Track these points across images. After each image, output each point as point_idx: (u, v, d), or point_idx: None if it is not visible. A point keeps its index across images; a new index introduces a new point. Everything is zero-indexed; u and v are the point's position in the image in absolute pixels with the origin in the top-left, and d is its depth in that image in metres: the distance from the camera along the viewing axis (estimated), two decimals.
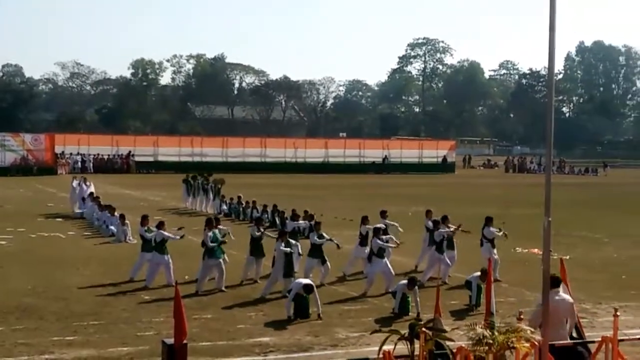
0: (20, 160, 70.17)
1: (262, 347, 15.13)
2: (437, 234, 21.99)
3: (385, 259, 20.59)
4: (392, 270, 20.53)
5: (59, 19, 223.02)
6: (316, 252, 21.05)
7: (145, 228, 21.73)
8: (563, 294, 12.65)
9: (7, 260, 24.53)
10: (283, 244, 19.69)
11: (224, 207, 38.65)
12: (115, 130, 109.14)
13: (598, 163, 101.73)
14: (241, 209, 37.00)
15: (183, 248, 23.29)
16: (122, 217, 29.80)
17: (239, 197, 38.08)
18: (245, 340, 15.58)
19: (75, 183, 39.62)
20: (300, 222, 24.71)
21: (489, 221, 22.85)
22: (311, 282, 17.85)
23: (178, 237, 21.70)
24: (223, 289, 20.24)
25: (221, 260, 20.50)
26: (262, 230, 22.00)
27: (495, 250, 22.45)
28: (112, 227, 30.18)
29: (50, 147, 71.88)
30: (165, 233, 21.13)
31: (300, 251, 21.70)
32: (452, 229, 22.48)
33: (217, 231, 20.89)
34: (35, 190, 52.43)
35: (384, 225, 22.66)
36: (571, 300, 12.73)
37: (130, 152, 76.06)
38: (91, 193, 36.82)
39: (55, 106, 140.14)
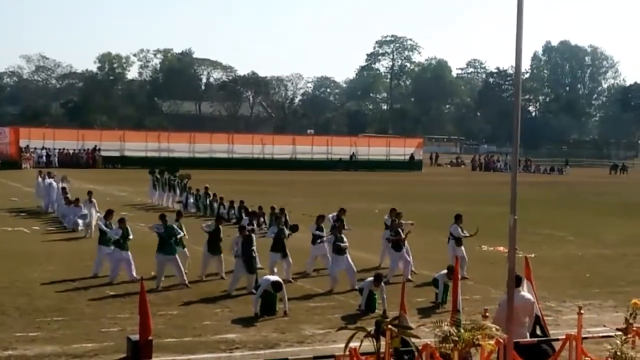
0: None
1: (228, 343, 15.08)
2: (384, 233, 22.00)
3: (346, 255, 20.63)
4: (354, 267, 20.58)
5: (24, 11, 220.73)
6: (278, 246, 21.08)
7: (107, 222, 21.66)
8: (524, 293, 12.74)
9: None
10: (242, 240, 19.68)
11: (191, 199, 38.44)
12: (81, 124, 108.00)
13: (563, 162, 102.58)
14: (208, 201, 36.84)
15: (148, 244, 23.12)
16: (89, 193, 30.39)
17: (206, 188, 37.94)
18: (211, 337, 15.52)
19: (40, 179, 39.02)
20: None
21: (457, 219, 22.91)
22: (280, 280, 17.80)
23: (117, 236, 21.33)
24: (186, 284, 20.13)
25: (175, 256, 20.37)
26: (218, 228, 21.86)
27: (462, 248, 22.53)
28: (78, 220, 29.85)
29: (15, 141, 71.09)
30: (117, 230, 20.99)
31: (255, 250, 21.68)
32: (402, 236, 22.36)
33: (175, 226, 20.86)
34: None
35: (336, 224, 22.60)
36: (532, 299, 12.81)
37: (96, 146, 75.38)
38: (64, 188, 36.00)
39: (20, 99, 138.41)
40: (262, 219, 31.09)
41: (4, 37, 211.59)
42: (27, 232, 30.04)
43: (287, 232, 21.43)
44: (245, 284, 19.59)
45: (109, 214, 22.04)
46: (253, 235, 20.71)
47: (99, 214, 28.14)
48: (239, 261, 19.70)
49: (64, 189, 34.83)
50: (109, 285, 20.08)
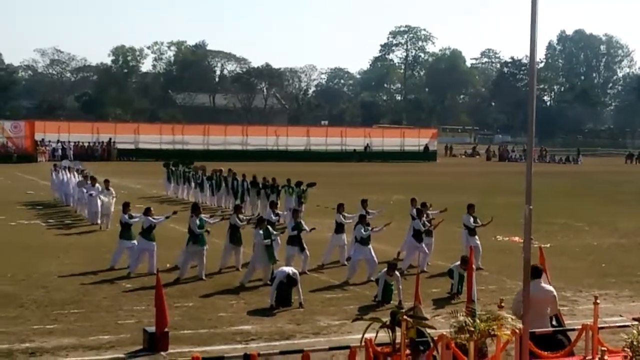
0: (0, 147, 69.70)
1: (244, 335, 15.12)
2: (415, 223, 22.01)
3: (369, 246, 20.62)
4: (375, 258, 20.55)
5: (38, 5, 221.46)
6: (295, 239, 21.07)
7: (127, 215, 21.65)
8: (545, 285, 12.69)
9: None
10: (262, 232, 19.67)
11: (205, 179, 38.43)
12: (96, 117, 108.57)
13: (580, 151, 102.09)
14: (222, 178, 36.70)
15: (164, 236, 23.21)
16: (106, 182, 30.75)
17: (220, 171, 37.96)
18: (226, 329, 15.56)
19: (54, 173, 38.98)
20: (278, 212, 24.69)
21: (469, 208, 22.90)
22: (295, 272, 17.73)
23: (163, 218, 21.57)
24: (203, 277, 20.18)
25: (204, 248, 20.44)
26: (243, 219, 21.93)
27: (477, 238, 22.47)
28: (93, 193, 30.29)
29: (30, 135, 71.49)
30: (152, 219, 21.03)
31: (279, 240, 21.67)
32: (431, 225, 22.41)
33: (203, 217, 20.86)
34: (14, 178, 52.12)
35: (364, 212, 22.70)
36: (554, 291, 12.75)
37: (111, 139, 75.71)
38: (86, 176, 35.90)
39: (35, 93, 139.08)
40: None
41: (18, 31, 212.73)
42: (43, 224, 30.20)
43: (305, 227, 21.38)
44: (260, 276, 19.63)
45: (126, 206, 22.04)
46: (270, 227, 20.67)
47: (115, 198, 28.72)
48: (258, 252, 19.73)
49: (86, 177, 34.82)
50: (126, 277, 20.15)
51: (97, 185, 30.74)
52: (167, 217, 21.70)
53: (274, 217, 22.98)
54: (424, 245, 21.84)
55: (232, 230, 21.40)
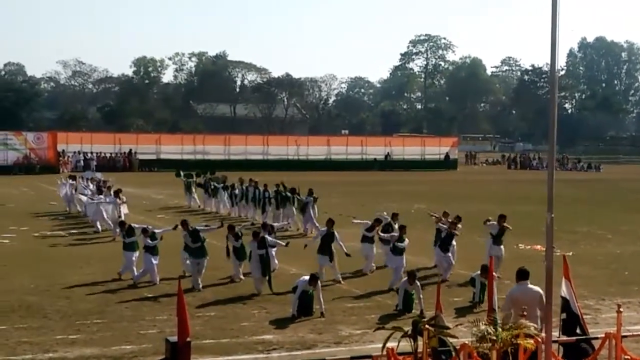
0: (23, 159, 70.20)
1: (266, 344, 15.14)
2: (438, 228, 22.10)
3: (403, 256, 20.82)
4: (403, 269, 20.62)
5: (60, 17, 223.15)
6: (325, 248, 21.31)
7: (149, 238, 21.29)
8: (531, 286, 12.84)
9: (10, 259, 24.58)
10: (257, 244, 19.86)
11: (222, 190, 38.34)
12: (118, 128, 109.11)
13: (601, 159, 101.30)
14: (244, 189, 36.43)
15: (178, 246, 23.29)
16: (116, 193, 31.03)
17: (242, 181, 37.83)
18: (248, 338, 15.59)
19: (82, 182, 39.02)
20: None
21: (500, 219, 22.60)
22: (314, 274, 17.82)
23: (158, 239, 21.34)
24: (199, 288, 20.08)
25: (203, 259, 20.60)
26: (240, 232, 21.86)
27: (502, 247, 22.33)
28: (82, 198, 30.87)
29: (53, 146, 71.86)
30: (149, 240, 21.00)
31: (274, 253, 21.74)
32: (447, 227, 22.41)
33: (197, 228, 21.23)
34: (37, 189, 52.43)
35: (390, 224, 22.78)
36: (540, 291, 12.77)
37: (132, 150, 76.05)
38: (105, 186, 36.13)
39: (58, 105, 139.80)
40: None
41: (41, 43, 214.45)
42: (65, 235, 30.35)
43: (342, 244, 21.61)
44: (282, 288, 19.63)
45: (145, 232, 21.46)
46: (268, 237, 20.71)
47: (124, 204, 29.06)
48: (253, 262, 19.90)
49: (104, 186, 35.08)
50: (147, 287, 20.24)
51: (102, 194, 31.16)
52: (161, 239, 21.47)
53: (270, 239, 23.07)
54: (450, 255, 21.88)
55: (234, 250, 21.31)
